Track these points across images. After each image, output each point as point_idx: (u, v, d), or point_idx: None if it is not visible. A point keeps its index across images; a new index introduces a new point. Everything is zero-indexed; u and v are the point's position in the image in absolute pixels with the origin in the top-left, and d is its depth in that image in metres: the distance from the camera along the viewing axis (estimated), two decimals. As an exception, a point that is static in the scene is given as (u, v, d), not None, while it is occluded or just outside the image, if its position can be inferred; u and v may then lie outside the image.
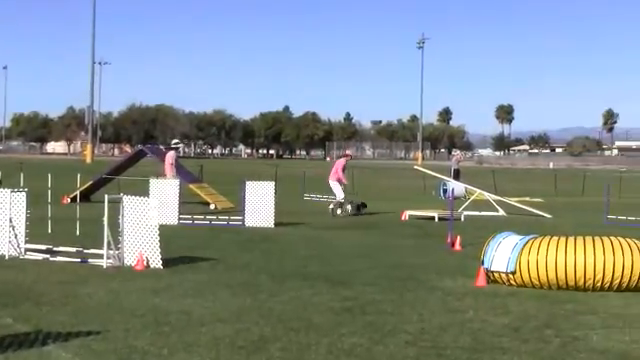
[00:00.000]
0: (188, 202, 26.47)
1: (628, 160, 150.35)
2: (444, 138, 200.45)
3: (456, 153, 51.66)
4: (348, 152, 29.54)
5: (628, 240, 12.23)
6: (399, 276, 13.28)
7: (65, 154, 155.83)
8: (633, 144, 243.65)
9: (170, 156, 26.13)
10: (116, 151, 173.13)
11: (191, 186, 28.60)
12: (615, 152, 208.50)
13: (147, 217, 13.74)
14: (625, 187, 44.23)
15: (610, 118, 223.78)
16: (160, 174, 26.70)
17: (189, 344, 8.42)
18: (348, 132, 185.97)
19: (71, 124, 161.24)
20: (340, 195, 26.17)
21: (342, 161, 26.98)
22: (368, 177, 55.13)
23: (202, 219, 22.64)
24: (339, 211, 25.95)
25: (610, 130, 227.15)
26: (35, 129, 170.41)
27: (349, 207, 26.07)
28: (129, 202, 13.87)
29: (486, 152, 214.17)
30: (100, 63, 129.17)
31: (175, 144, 27.71)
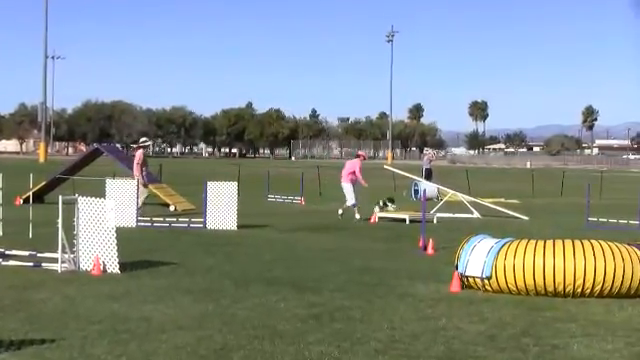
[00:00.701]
0: (146, 203, 26.35)
1: (609, 159, 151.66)
2: (415, 136, 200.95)
3: (428, 152, 51.75)
4: (361, 152, 29.28)
5: (610, 244, 12.26)
6: (369, 281, 13.32)
7: (17, 153, 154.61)
8: (614, 143, 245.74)
9: (137, 155, 26.01)
10: (70, 150, 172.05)
11: (150, 187, 28.47)
12: (595, 151, 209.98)
13: (103, 219, 13.70)
14: (606, 188, 44.56)
15: (590, 115, 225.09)
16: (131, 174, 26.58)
17: (149, 353, 8.41)
18: (314, 130, 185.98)
19: (23, 121, 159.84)
20: (351, 200, 25.81)
21: (358, 162, 26.34)
22: (335, 177, 55.17)
23: (161, 221, 22.60)
24: (341, 213, 25.75)
25: (590, 128, 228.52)
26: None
27: (358, 216, 25.73)
28: (84, 203, 13.81)
29: (459, 151, 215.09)
30: (53, 57, 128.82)
31: (143, 142, 27.64)
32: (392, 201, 26.65)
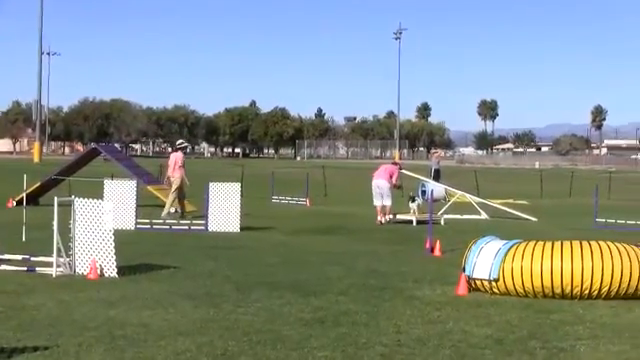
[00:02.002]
0: (146, 205, 26.36)
1: (617, 159, 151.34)
2: (423, 136, 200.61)
3: (436, 151, 51.57)
4: (399, 162, 29.47)
5: (618, 245, 12.31)
6: (374, 285, 13.29)
7: (10, 153, 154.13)
8: (623, 142, 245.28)
9: (179, 158, 26.21)
10: (67, 149, 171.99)
11: (149, 188, 28.49)
12: (604, 151, 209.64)
13: (101, 221, 13.66)
14: (615, 188, 44.60)
15: (599, 115, 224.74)
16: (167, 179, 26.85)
17: (147, 359, 8.38)
18: (320, 129, 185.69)
19: (17, 120, 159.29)
20: (388, 201, 25.39)
21: (397, 170, 26.26)
22: (341, 178, 55.18)
23: (161, 223, 22.58)
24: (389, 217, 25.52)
25: (599, 128, 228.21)
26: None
27: (388, 217, 25.48)
28: (81, 205, 13.78)
29: (468, 151, 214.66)
30: (49, 53, 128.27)
31: (180, 144, 27.92)
32: (413, 199, 26.59)
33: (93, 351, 8.64)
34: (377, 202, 25.50)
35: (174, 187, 25.71)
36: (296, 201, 34.16)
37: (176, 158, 26.28)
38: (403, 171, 27.95)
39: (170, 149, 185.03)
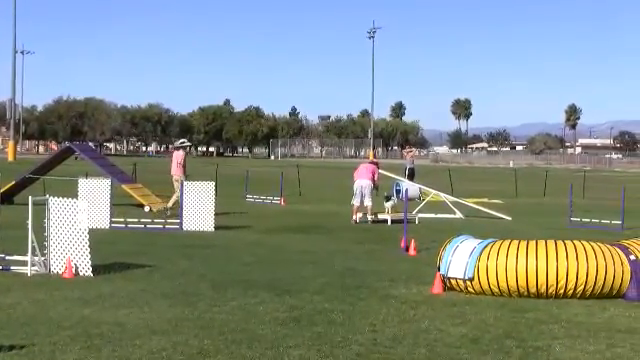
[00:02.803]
0: (121, 204, 26.27)
1: (592, 159, 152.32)
2: (397, 134, 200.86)
3: (410, 150, 51.16)
4: (377, 160, 29.42)
5: (592, 244, 12.38)
6: (350, 284, 13.30)
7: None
8: (597, 142, 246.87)
9: (179, 156, 26.45)
10: (41, 148, 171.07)
11: (124, 187, 28.41)
12: (578, 150, 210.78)
13: (76, 220, 13.62)
14: (589, 187, 44.80)
15: (573, 114, 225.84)
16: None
17: (122, 358, 8.37)
18: (294, 128, 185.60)
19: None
20: (369, 201, 25.25)
21: (376, 169, 26.14)
22: (316, 177, 55.18)
23: (136, 222, 22.50)
24: (369, 217, 25.39)
25: (573, 127, 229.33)
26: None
27: (354, 217, 25.32)
28: (56, 204, 13.73)
29: (442, 150, 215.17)
30: (22, 52, 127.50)
31: (181, 143, 28.00)
32: (388, 199, 26.53)
33: (69, 350, 8.61)
34: (356, 202, 25.46)
35: (176, 186, 25.87)
36: (270, 200, 34.11)
37: (176, 157, 26.52)
38: (379, 170, 28.01)
39: (144, 148, 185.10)
